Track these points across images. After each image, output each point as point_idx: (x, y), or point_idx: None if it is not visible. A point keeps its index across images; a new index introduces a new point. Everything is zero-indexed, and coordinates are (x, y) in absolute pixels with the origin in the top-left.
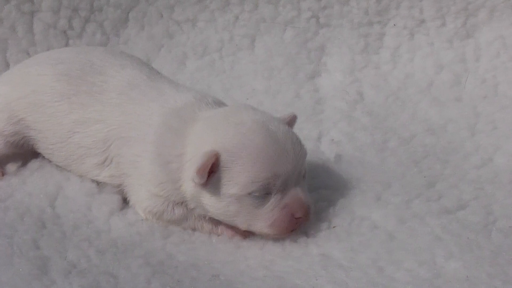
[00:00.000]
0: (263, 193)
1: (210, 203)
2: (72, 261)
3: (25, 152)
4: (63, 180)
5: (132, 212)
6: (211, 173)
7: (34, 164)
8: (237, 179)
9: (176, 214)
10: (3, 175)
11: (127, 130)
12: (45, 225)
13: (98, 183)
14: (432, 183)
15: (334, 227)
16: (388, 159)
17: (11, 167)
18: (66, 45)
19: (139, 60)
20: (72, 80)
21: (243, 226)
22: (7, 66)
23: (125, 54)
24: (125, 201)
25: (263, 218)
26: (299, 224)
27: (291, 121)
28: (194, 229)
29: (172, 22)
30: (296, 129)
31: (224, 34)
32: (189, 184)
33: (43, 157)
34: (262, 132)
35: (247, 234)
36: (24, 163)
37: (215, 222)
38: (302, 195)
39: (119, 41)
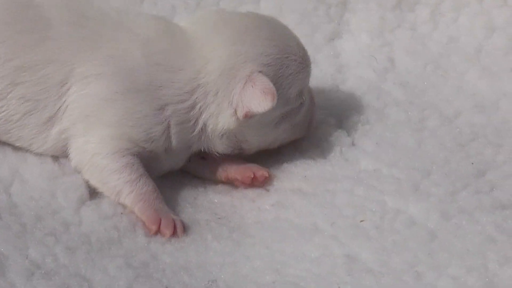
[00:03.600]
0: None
1: (256, 131)
2: (35, 260)
3: None
4: (18, 162)
5: (107, 201)
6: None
7: None
8: (289, 91)
9: (119, 162)
10: None
11: (94, 66)
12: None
13: (59, 164)
14: (482, 171)
15: (361, 221)
16: (427, 141)
17: None
18: None
19: None
20: (2, 20)
21: (281, 142)
22: None
23: None
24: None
25: (305, 123)
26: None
27: None
28: (119, 193)
29: None
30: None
31: None
32: (228, 118)
33: None
34: (290, 37)
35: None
36: None
37: (149, 202)
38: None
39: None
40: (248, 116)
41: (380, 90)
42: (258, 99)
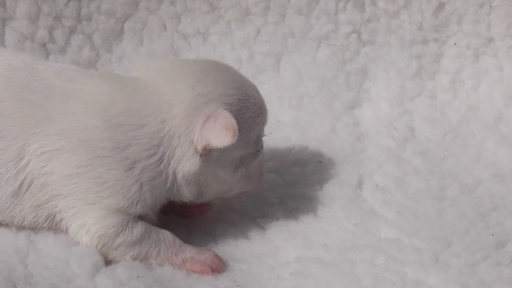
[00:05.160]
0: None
1: (215, 172)
2: None
3: None
4: (32, 233)
5: (122, 266)
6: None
7: None
8: (248, 136)
9: (134, 234)
10: None
11: (51, 142)
12: (16, 286)
13: None
14: (503, 242)
15: None
16: (447, 211)
17: None
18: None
19: (10, 54)
20: None
21: (238, 190)
22: None
23: None
24: None
25: (259, 173)
26: None
27: None
28: (146, 257)
29: (178, 35)
30: (332, 172)
31: (242, 52)
32: (188, 161)
33: None
34: (247, 82)
35: (219, 268)
36: None
37: (177, 249)
38: None
39: (112, 58)
40: (207, 150)
41: (400, 159)
42: (219, 133)
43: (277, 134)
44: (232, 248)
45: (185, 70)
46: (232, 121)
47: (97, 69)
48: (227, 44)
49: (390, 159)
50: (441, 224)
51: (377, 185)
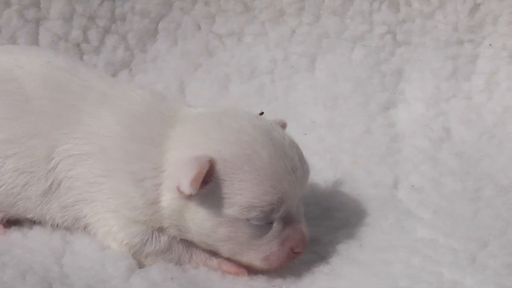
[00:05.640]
0: (264, 222)
1: (195, 220)
2: None
3: None
4: (68, 234)
5: (157, 268)
6: (202, 183)
7: None
8: (235, 198)
9: (162, 242)
10: (4, 228)
11: (78, 146)
12: (51, 286)
13: None
14: None
15: None
16: (483, 211)
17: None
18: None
19: (50, 54)
20: None
21: (227, 253)
22: None
23: (32, 48)
24: None
25: (258, 250)
26: (294, 258)
27: (282, 127)
28: (179, 263)
29: (213, 35)
30: (367, 172)
31: (277, 52)
32: (169, 196)
33: None
34: (268, 143)
35: (252, 270)
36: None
37: (208, 252)
38: (303, 226)
39: (146, 58)
40: (179, 191)
41: (436, 160)
42: (184, 179)
43: (312, 135)
44: None
45: (211, 123)
46: (195, 172)
47: (131, 69)
48: (261, 44)
49: (426, 160)
50: (477, 224)
51: (413, 186)
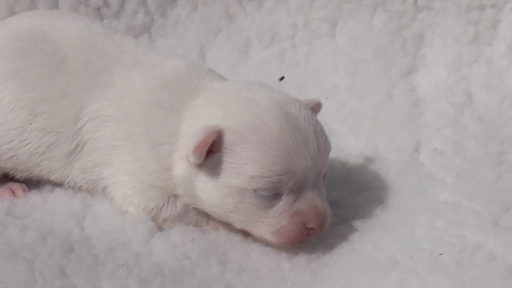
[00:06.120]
0: (272, 193)
1: (204, 190)
2: None
3: None
4: (88, 197)
5: (177, 231)
6: (210, 153)
7: None
8: (242, 167)
9: (178, 207)
10: (24, 191)
11: (105, 107)
12: (72, 248)
13: None
14: None
15: (440, 254)
16: (506, 175)
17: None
18: None
19: (87, 20)
20: (14, 55)
21: (239, 225)
22: None
23: (69, 13)
24: None
25: (267, 223)
26: (310, 235)
27: (314, 107)
28: (197, 225)
29: (233, 0)
30: (389, 136)
31: (297, 17)
32: (181, 165)
33: None
34: (279, 115)
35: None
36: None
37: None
38: (319, 201)
39: (166, 23)
40: (188, 160)
41: (458, 124)
42: (191, 148)
43: (333, 100)
44: None
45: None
46: (199, 141)
47: (151, 34)
48: (282, 9)
49: (448, 124)
50: (500, 188)
51: (435, 149)
